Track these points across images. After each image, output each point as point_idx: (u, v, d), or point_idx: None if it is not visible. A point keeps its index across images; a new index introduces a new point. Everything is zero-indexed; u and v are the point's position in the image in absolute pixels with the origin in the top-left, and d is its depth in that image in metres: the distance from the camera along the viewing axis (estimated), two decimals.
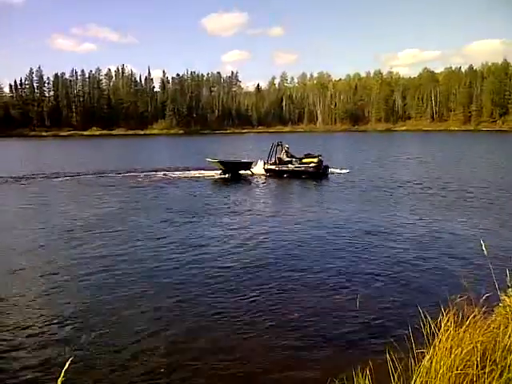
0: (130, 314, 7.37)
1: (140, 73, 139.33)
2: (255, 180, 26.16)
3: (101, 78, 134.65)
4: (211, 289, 8.49)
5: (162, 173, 28.44)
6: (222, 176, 27.19)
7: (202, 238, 12.46)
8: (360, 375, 3.99)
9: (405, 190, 20.91)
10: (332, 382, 4.64)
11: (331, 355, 6.02)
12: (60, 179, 25.90)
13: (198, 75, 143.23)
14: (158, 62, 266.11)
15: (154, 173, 28.53)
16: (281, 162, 27.07)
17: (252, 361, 5.99)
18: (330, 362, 5.82)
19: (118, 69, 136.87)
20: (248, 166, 28.12)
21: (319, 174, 26.18)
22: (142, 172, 29.12)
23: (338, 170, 28.08)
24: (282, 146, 27.63)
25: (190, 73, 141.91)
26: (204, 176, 27.28)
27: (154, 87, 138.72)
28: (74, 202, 18.55)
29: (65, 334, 6.66)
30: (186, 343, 6.42)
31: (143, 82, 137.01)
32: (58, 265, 10.08)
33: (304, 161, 26.80)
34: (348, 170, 28.31)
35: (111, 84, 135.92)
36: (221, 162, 28.21)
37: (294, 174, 26.39)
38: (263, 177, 27.00)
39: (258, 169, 27.85)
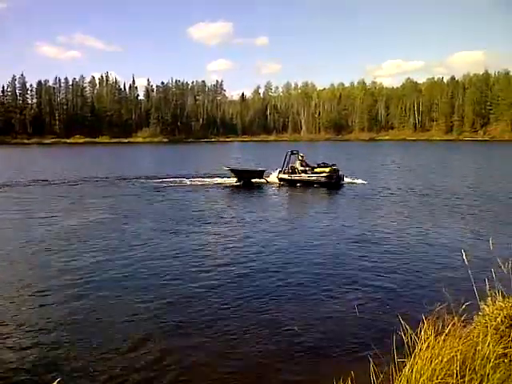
0: (113, 322, 7.29)
1: (124, 81, 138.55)
2: (266, 189, 26.07)
3: (85, 85, 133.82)
4: (202, 295, 8.43)
5: (179, 179, 28.73)
6: (235, 184, 27.28)
7: (188, 245, 12.37)
8: None
9: (437, 200, 21.02)
10: None
11: (312, 365, 6.00)
12: (50, 185, 25.66)
13: (182, 83, 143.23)
14: (142, 71, 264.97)
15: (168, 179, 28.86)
16: (294, 171, 26.92)
17: (228, 366, 5.94)
18: (311, 371, 5.79)
19: (102, 76, 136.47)
20: (260, 174, 27.95)
21: (331, 184, 25.58)
22: (163, 178, 29.60)
23: (354, 180, 27.36)
24: (297, 154, 27.37)
25: (174, 81, 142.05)
26: (213, 183, 27.49)
27: (138, 95, 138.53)
28: (63, 209, 18.33)
29: (49, 349, 6.55)
30: (173, 350, 6.35)
31: (127, 89, 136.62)
32: (41, 274, 9.94)
33: (316, 170, 26.40)
34: (365, 181, 27.28)
35: (95, 92, 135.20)
36: (232, 170, 28.39)
37: (307, 184, 26.14)
38: (276, 185, 26.88)
39: (273, 177, 27.77)
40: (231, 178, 28.08)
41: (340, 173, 26.56)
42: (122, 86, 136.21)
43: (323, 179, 25.67)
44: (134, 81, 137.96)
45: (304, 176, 26.43)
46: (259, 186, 26.91)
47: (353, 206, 19.90)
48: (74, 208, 18.95)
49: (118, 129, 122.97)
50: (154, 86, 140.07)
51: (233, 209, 19.15)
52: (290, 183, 26.77)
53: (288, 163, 27.25)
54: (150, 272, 10.04)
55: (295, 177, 26.75)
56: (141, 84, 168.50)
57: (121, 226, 15.23)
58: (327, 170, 25.96)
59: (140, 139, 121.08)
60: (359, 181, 27.23)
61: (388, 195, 22.55)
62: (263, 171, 28.09)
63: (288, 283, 9.31)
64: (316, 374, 5.58)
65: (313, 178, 26.13)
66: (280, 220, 16.45)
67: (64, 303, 8.14)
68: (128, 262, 10.86)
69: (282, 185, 26.93)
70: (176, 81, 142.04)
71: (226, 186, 26.74)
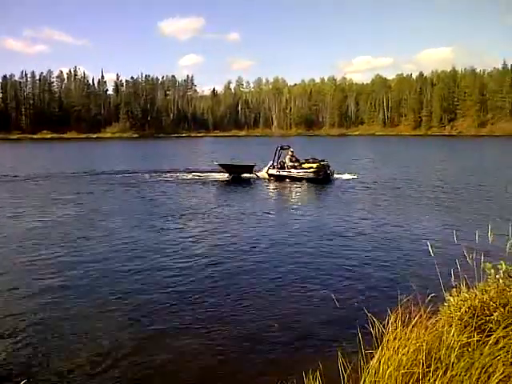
0: (83, 321, 7.19)
1: (93, 75, 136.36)
2: (254, 184, 26.06)
3: (52, 80, 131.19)
4: (172, 293, 8.38)
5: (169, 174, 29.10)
6: (224, 179, 27.35)
7: (161, 241, 12.29)
8: (310, 377, 4.02)
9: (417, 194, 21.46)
10: None
11: (282, 358, 6.04)
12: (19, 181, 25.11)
13: (152, 78, 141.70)
14: (112, 65, 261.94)
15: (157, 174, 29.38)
16: (282, 166, 26.88)
17: (200, 363, 5.94)
18: (280, 364, 5.83)
19: (70, 71, 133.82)
20: (250, 169, 27.92)
21: (319, 179, 25.46)
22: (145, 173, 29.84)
23: (345, 176, 27.19)
24: (287, 150, 27.23)
25: (144, 76, 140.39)
26: (201, 178, 27.65)
27: (107, 90, 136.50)
28: (40, 205, 17.95)
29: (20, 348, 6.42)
30: (143, 347, 6.30)
31: (96, 84, 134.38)
32: (8, 272, 9.73)
33: (304, 166, 26.29)
34: (356, 176, 27.26)
35: (63, 86, 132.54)
36: (222, 165, 28.50)
37: (295, 180, 26.06)
38: (265, 181, 26.82)
39: (263, 173, 27.71)
40: (219, 173, 28.18)
41: (331, 168, 26.51)
42: (90, 81, 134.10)
43: (311, 175, 25.62)
44: (102, 75, 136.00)
45: (293, 171, 26.32)
46: (248, 181, 26.93)
47: (330, 200, 20.19)
48: (43, 204, 18.59)
49: (86, 124, 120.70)
50: (124, 81, 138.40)
51: (210, 203, 19.12)
52: (279, 178, 26.71)
53: (278, 158, 27.17)
54: (119, 269, 9.95)
55: (283, 172, 26.69)
56: (110, 79, 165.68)
57: (92, 221, 15.02)
58: (314, 165, 25.86)
59: (109, 134, 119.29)
60: (349, 176, 27.09)
61: (364, 189, 22.97)
62: (253, 166, 28.03)
63: (257, 279, 9.34)
64: (285, 368, 5.59)
65: (300, 174, 26.03)
66: (254, 215, 16.47)
67: (33, 303, 7.99)
68: (98, 259, 10.73)
69: (271, 180, 26.88)
70: (146, 76, 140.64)
71: (210, 181, 26.64)
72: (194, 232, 13.67)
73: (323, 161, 26.57)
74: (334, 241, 12.42)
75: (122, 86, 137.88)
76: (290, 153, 27.00)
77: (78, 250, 11.52)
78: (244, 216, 16.21)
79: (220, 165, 28.59)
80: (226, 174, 28.05)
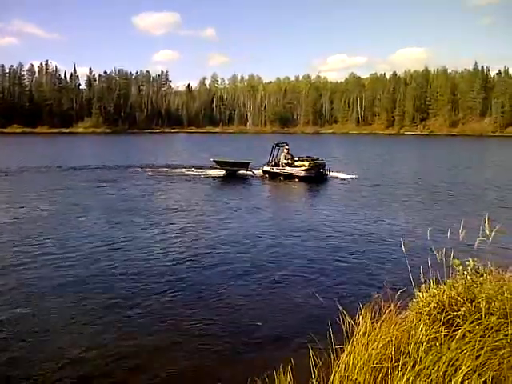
0: (48, 321, 7.08)
1: (65, 69, 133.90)
2: (245, 181, 25.86)
3: (23, 73, 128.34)
4: (143, 289, 8.32)
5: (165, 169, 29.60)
6: (217, 175, 27.36)
7: (136, 238, 12.18)
8: (281, 373, 4.05)
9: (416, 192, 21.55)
10: (253, 382, 4.67)
11: (253, 355, 6.05)
12: None
13: (126, 73, 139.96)
14: (84, 60, 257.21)
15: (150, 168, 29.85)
16: (276, 164, 26.47)
17: (169, 362, 5.90)
18: (251, 361, 5.83)
19: (41, 65, 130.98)
20: (245, 166, 27.71)
21: (311, 178, 24.94)
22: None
23: (342, 175, 26.69)
24: (282, 147, 26.82)
25: (117, 71, 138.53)
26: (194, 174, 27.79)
27: (79, 84, 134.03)
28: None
29: None
30: (111, 344, 6.24)
31: (68, 78, 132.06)
32: None
33: (296, 164, 25.74)
34: (355, 176, 26.61)
35: (34, 80, 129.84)
36: (217, 162, 28.34)
37: (288, 178, 25.63)
38: (260, 178, 26.57)
39: (260, 170, 27.38)
40: (212, 170, 28.28)
41: (326, 167, 26.13)
42: (62, 75, 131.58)
43: (302, 173, 25.22)
44: (75, 69, 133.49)
45: (287, 169, 25.91)
46: (242, 178, 26.80)
47: (311, 198, 20.59)
48: (14, 200, 18.22)
49: (58, 119, 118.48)
50: (97, 76, 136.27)
51: (186, 200, 18.93)
52: (273, 176, 26.40)
53: (275, 155, 26.84)
54: (95, 265, 9.85)
55: (277, 170, 26.31)
56: (82, 73, 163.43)
57: (65, 218, 14.80)
58: (306, 163, 25.40)
59: (82, 129, 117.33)
60: (346, 175, 26.64)
61: (354, 187, 23.15)
62: (248, 163, 27.79)
63: (230, 276, 9.34)
64: (256, 365, 5.58)
65: (292, 172, 25.63)
66: (231, 212, 16.45)
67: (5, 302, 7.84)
68: (75, 256, 10.58)
69: (265, 177, 26.65)
70: (119, 70, 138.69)
71: (197, 177, 26.59)
72: (169, 229, 13.59)
73: (317, 159, 26.19)
74: (307, 238, 12.48)
75: (95, 80, 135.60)
76: (285, 150, 26.59)
77: (50, 244, 11.35)
78: (216, 213, 16.18)
79: (215, 161, 28.44)
80: (222, 171, 27.96)
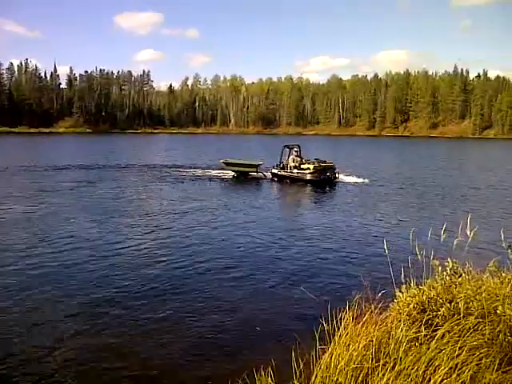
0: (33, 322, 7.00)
1: (45, 68, 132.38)
2: (254, 183, 25.68)
3: (1, 72, 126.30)
4: (124, 291, 8.27)
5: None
6: (227, 176, 27.36)
7: (112, 238, 12.10)
8: (263, 374, 4.06)
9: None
10: (234, 382, 4.68)
11: (235, 355, 6.06)
12: None
13: (107, 73, 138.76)
14: (65, 59, 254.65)
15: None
16: (284, 166, 25.85)
17: (152, 362, 5.89)
18: (233, 362, 5.83)
19: (21, 63, 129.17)
20: (254, 166, 27.32)
21: (317, 181, 24.18)
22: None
23: (353, 179, 25.62)
24: (292, 149, 26.25)
25: (99, 70, 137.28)
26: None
27: (60, 84, 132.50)
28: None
29: None
30: (90, 345, 6.19)
31: (48, 78, 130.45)
32: None
33: (302, 166, 24.99)
34: (366, 180, 25.56)
35: (13, 79, 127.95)
36: (227, 163, 28.17)
37: (294, 180, 24.99)
38: (267, 181, 26.22)
39: (269, 172, 26.96)
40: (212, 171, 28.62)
41: (336, 170, 25.23)
42: (42, 74, 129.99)
43: (308, 176, 24.50)
44: (55, 69, 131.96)
45: (293, 172, 25.19)
46: (249, 180, 26.56)
47: (306, 202, 20.80)
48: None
49: (38, 118, 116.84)
50: (78, 75, 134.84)
51: (170, 201, 18.93)
52: (280, 179, 25.92)
53: (282, 157, 26.32)
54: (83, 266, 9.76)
55: (284, 173, 25.73)
56: (63, 72, 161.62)
57: (60, 216, 14.64)
58: (311, 166, 24.63)
59: (62, 129, 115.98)
60: (357, 179, 25.58)
61: (357, 191, 23.16)
62: (258, 164, 27.39)
63: (211, 276, 9.35)
64: (238, 365, 5.60)
65: (298, 175, 24.96)
66: (220, 213, 16.42)
67: None
68: (60, 256, 10.47)
69: (273, 180, 26.24)
70: (101, 70, 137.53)
71: (203, 178, 26.61)
72: (152, 228, 13.54)
73: (324, 162, 25.42)
74: (291, 241, 12.55)
75: (76, 79, 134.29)
76: (294, 152, 25.97)
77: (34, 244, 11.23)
78: (204, 214, 16.15)
79: (224, 163, 28.26)
80: (232, 173, 27.84)
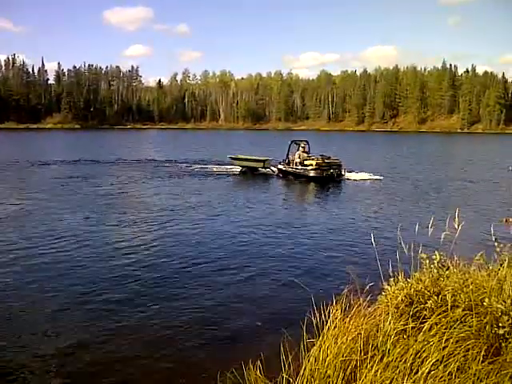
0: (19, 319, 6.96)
1: (33, 64, 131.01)
2: (261, 178, 25.71)
3: None
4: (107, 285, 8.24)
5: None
6: (234, 172, 27.41)
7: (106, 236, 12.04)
8: (251, 367, 4.07)
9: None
10: (223, 375, 4.68)
11: (223, 349, 6.06)
12: None
13: (96, 68, 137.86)
14: (53, 54, 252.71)
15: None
16: (290, 162, 25.34)
17: (138, 358, 5.85)
18: (221, 356, 5.81)
19: (8, 58, 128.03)
20: (261, 162, 27.08)
21: (319, 178, 23.37)
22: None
23: (359, 176, 24.98)
24: (299, 144, 25.58)
25: (87, 65, 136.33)
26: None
27: (48, 79, 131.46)
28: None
29: None
30: (71, 343, 6.16)
31: (36, 73, 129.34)
32: None
33: (306, 162, 24.22)
34: (379, 177, 25.00)
35: (0, 74, 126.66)
36: (235, 159, 28.27)
37: (298, 177, 24.44)
38: (273, 176, 26.06)
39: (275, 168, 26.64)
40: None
41: (342, 167, 24.35)
42: (30, 70, 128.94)
43: (311, 173, 23.69)
44: (43, 64, 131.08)
45: (298, 168, 24.54)
46: (258, 176, 26.51)
47: (299, 197, 21.03)
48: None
49: (25, 114, 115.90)
50: (66, 70, 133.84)
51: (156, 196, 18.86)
52: (285, 175, 25.54)
53: (292, 153, 25.68)
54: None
55: (289, 169, 25.27)
56: (51, 68, 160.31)
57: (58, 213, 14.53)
58: (314, 162, 23.84)
59: (50, 125, 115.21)
60: (364, 176, 25.04)
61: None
62: (265, 160, 27.18)
63: (201, 271, 9.34)
64: (227, 358, 5.57)
65: (301, 172, 24.31)
66: (209, 210, 16.40)
67: None
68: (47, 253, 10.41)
69: (279, 176, 25.97)
70: (89, 65, 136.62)
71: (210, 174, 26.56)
72: (142, 225, 13.51)
73: (328, 158, 24.75)
74: (282, 236, 12.52)
75: (64, 75, 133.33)
76: (301, 148, 25.28)
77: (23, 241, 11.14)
78: (194, 208, 16.12)
79: (231, 158, 28.36)
80: (239, 168, 27.81)
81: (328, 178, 23.41)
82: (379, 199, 18.88)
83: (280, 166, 26.04)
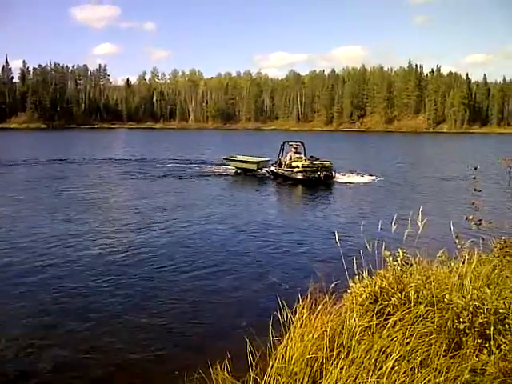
0: None
1: None
2: (255, 180, 25.36)
3: None
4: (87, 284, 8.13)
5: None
6: (228, 173, 27.18)
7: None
8: (219, 367, 4.08)
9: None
10: (190, 376, 4.68)
11: (189, 350, 6.03)
12: None
13: (62, 67, 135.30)
14: (18, 52, 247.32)
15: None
16: (280, 164, 24.79)
17: (104, 358, 5.80)
18: (188, 356, 5.78)
19: None
20: (255, 163, 26.69)
21: (307, 181, 22.61)
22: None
23: (351, 179, 24.37)
24: (291, 145, 25.14)
25: (53, 64, 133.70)
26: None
27: (12, 78, 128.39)
28: None
29: None
30: (40, 339, 6.06)
31: (0, 71, 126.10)
32: None
33: (292, 164, 23.58)
34: (375, 178, 24.75)
35: None
36: (230, 160, 28.13)
37: (286, 179, 23.74)
38: (263, 177, 25.68)
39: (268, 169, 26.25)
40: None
41: (332, 169, 23.45)
42: None
43: (299, 175, 22.93)
44: (7, 62, 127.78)
45: (286, 170, 23.93)
46: (251, 177, 26.18)
47: (275, 196, 21.27)
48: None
49: None
50: (31, 69, 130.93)
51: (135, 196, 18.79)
52: (276, 177, 25.00)
53: (283, 154, 25.20)
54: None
55: (279, 171, 24.71)
56: (16, 66, 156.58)
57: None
58: (300, 164, 23.17)
59: (15, 125, 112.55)
60: (355, 179, 24.47)
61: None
62: (259, 161, 26.80)
63: (166, 271, 9.30)
64: (193, 359, 5.54)
65: (288, 174, 23.67)
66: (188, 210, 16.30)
67: None
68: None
69: (269, 177, 25.51)
70: (55, 64, 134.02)
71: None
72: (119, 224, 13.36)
73: (317, 159, 23.95)
74: (248, 236, 12.57)
75: (29, 73, 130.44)
76: (292, 149, 24.84)
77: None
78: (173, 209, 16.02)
79: (226, 159, 28.28)
80: (233, 169, 27.68)
81: (316, 181, 22.61)
82: (354, 201, 19.01)
83: (272, 168, 25.56)
